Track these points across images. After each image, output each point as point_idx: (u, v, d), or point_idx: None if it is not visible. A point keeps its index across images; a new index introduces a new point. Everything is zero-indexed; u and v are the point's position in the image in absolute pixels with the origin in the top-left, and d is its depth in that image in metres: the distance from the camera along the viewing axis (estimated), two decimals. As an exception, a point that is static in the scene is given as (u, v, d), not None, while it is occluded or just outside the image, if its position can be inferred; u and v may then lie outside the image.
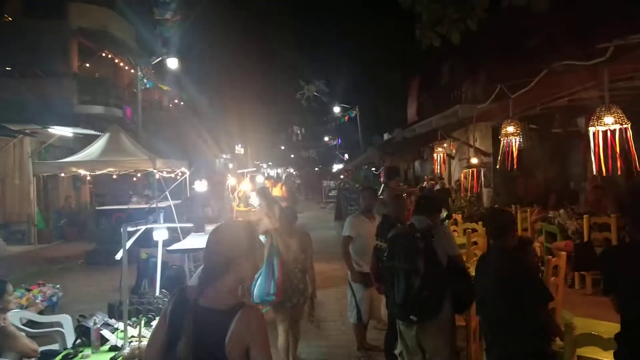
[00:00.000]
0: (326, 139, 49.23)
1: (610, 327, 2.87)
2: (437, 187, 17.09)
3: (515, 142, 6.89)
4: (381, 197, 6.78)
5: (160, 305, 4.22)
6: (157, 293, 4.77)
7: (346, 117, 31.20)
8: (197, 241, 7.30)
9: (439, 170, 13.73)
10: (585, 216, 6.58)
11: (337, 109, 31.65)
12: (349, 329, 5.62)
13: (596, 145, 4.58)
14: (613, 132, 4.48)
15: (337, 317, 6.67)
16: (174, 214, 7.30)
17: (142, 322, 3.64)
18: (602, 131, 4.54)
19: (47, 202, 16.01)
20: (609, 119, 4.50)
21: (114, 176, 12.91)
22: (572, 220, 6.76)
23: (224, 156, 28.34)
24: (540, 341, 2.89)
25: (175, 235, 7.48)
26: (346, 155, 40.93)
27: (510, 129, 6.92)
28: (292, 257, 4.78)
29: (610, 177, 9.90)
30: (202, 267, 2.13)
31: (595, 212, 6.89)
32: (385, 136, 29.58)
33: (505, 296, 2.95)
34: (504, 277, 2.98)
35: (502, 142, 7.21)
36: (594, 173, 4.85)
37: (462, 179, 10.48)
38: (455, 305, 3.61)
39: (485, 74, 15.91)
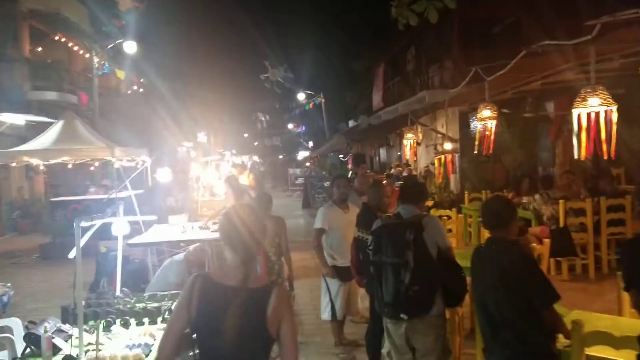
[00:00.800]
0: (290, 126, 48.75)
1: (614, 322, 2.68)
2: (405, 173, 17.03)
3: (492, 126, 6.70)
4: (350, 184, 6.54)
5: (121, 306, 3.84)
6: (118, 292, 4.36)
7: (311, 104, 30.80)
8: (160, 233, 6.89)
9: (408, 157, 13.52)
10: (560, 201, 6.47)
11: (301, 96, 31.18)
12: (324, 323, 5.34)
13: (580, 128, 4.40)
14: (597, 114, 4.30)
15: (311, 310, 6.38)
16: (135, 205, 6.85)
17: (100, 327, 3.26)
18: (587, 113, 4.36)
19: (-3, 193, 15.18)
20: (594, 100, 4.32)
21: (70, 166, 12.25)
22: (547, 205, 6.66)
23: (187, 144, 27.59)
24: (547, 339, 2.66)
25: (136, 227, 7.04)
26: (310, 143, 40.62)
27: (487, 112, 6.73)
28: (268, 240, 4.93)
29: (578, 162, 9.97)
30: (231, 251, 2.19)
31: (569, 197, 6.81)
32: (351, 123, 29.39)
33: (512, 293, 2.70)
34: (510, 273, 2.71)
35: (478, 126, 7.02)
36: (575, 157, 4.67)
37: (437, 165, 10.30)
38: (448, 299, 3.37)
39: (453, 59, 15.83)
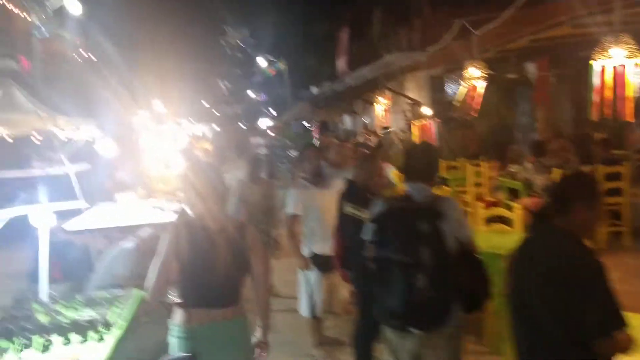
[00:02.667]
0: (251, 94, 47.37)
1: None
2: (372, 140, 16.36)
3: (481, 86, 6.02)
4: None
5: (43, 319, 3.01)
6: (45, 296, 3.52)
7: (272, 71, 29.68)
8: (104, 216, 5.99)
9: (385, 124, 12.83)
10: (555, 170, 5.90)
11: (263, 62, 29.99)
12: (300, 318, 4.64)
13: (603, 83, 3.74)
14: (623, 67, 3.65)
15: (284, 301, 5.67)
16: (75, 183, 5.95)
17: (14, 347, 2.45)
18: (613, 67, 3.70)
19: None
20: (618, 52, 3.66)
21: (10, 139, 11.06)
22: (540, 174, 6.07)
23: (142, 113, 26.08)
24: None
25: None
26: (273, 111, 39.53)
27: (474, 71, 6.05)
28: (255, 201, 5.48)
29: (558, 127, 9.49)
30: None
31: (562, 165, 6.24)
32: (314, 90, 28.46)
33: (557, 306, 2.00)
34: (559, 278, 2.00)
35: (458, 87, 6.33)
36: (591, 117, 4.04)
37: (414, 132, 9.62)
38: (467, 304, 2.66)
39: (422, 19, 15.07)
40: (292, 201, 4.30)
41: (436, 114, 14.54)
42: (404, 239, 2.52)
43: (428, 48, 8.86)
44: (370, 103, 13.82)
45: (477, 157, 9.75)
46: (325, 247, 4.08)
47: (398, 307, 2.51)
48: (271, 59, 29.11)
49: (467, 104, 6.31)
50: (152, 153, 10.17)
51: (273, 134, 26.70)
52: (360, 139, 19.18)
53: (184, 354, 2.48)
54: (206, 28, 29.74)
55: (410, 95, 15.02)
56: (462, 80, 7.36)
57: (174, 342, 2.56)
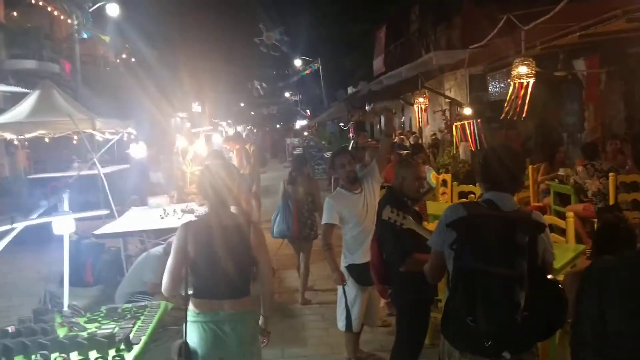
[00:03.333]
0: (287, 94, 47.41)
1: None
2: (411, 141, 15.98)
3: (529, 84, 5.64)
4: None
5: (61, 333, 2.86)
6: (65, 306, 3.38)
7: (308, 70, 29.51)
8: (134, 220, 5.89)
9: (420, 124, 12.44)
10: (611, 174, 5.46)
11: (298, 62, 29.86)
12: (334, 328, 4.39)
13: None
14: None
15: (317, 312, 5.45)
16: (105, 185, 5.88)
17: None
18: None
19: (-27, 170, 14.16)
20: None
21: (46, 139, 11.20)
22: (593, 179, 5.64)
23: (180, 115, 26.37)
24: None
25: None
26: (308, 111, 39.41)
27: (523, 69, 5.67)
28: (300, 198, 5.89)
29: (610, 127, 8.95)
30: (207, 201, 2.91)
31: (617, 169, 5.80)
32: (350, 90, 28.15)
33: None
34: None
35: (497, 87, 5.95)
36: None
37: (455, 133, 9.24)
38: (545, 330, 2.31)
39: (462, 16, 14.60)
40: (327, 210, 4.04)
41: (477, 114, 14.09)
42: (501, 250, 2.17)
43: (471, 46, 8.40)
44: (407, 103, 13.46)
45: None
46: (364, 255, 3.83)
47: (495, 328, 2.13)
48: (307, 59, 28.93)
49: (515, 104, 5.92)
50: (186, 155, 10.10)
51: (308, 135, 26.54)
52: (396, 139, 18.85)
53: (181, 340, 2.73)
54: (243, 29, 29.88)
55: (450, 94, 14.60)
56: (508, 78, 6.98)
57: (189, 329, 2.76)
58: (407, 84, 17.10)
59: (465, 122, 8.84)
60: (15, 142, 11.63)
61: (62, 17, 17.38)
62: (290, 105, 46.21)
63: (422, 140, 16.18)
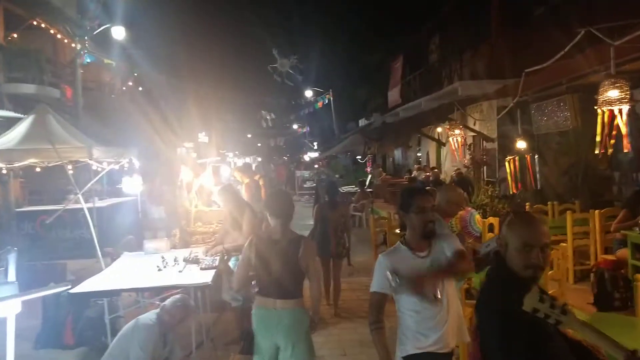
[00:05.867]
0: (295, 126, 46.67)
1: None
2: (430, 177, 14.90)
3: (623, 112, 4.56)
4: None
5: None
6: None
7: (320, 103, 28.70)
8: (129, 270, 4.75)
9: (457, 158, 11.34)
10: None
11: (309, 93, 29.09)
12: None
13: None
14: None
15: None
16: (90, 222, 4.84)
17: None
18: None
19: (-39, 201, 13.08)
20: None
21: (38, 169, 10.16)
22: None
23: (186, 145, 25.44)
24: None
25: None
26: (315, 144, 38.55)
27: (614, 92, 4.61)
28: (334, 221, 6.79)
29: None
30: (274, 218, 3.48)
31: None
32: (362, 122, 27.28)
33: None
34: None
35: (599, 112, 4.88)
36: None
37: (509, 169, 8.13)
38: None
39: (490, 44, 13.69)
40: (379, 274, 2.99)
41: (503, 149, 13.02)
42: None
43: (527, 70, 7.29)
44: (451, 133, 12.35)
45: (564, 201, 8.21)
46: (436, 340, 2.72)
47: None
48: (318, 90, 28.18)
49: (603, 138, 4.85)
50: (192, 188, 9.00)
51: (319, 167, 25.50)
52: (415, 174, 17.78)
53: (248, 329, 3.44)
54: (253, 58, 29.26)
55: (474, 127, 13.58)
56: (563, 107, 6.00)
57: (253, 319, 3.42)
58: (427, 116, 16.18)
59: (512, 158, 7.74)
60: (3, 171, 10.63)
61: (65, 40, 16.59)
62: (298, 137, 45.43)
63: (444, 176, 15.11)
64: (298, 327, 3.37)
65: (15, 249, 2.52)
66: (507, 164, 8.26)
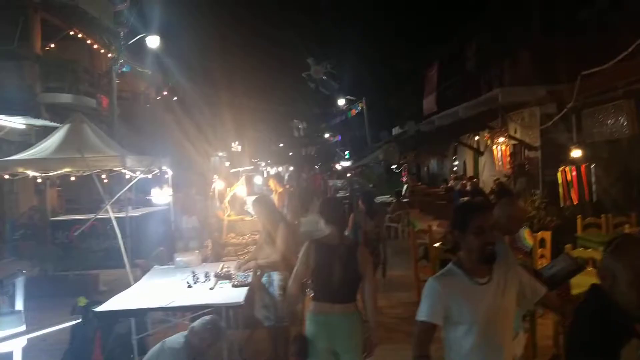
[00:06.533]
0: (326, 135, 46.46)
1: None
2: (468, 188, 14.41)
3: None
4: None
5: None
6: None
7: (352, 111, 28.38)
8: (158, 286, 4.53)
9: (501, 167, 10.86)
10: None
11: (342, 102, 28.79)
12: None
13: None
14: None
15: None
16: (118, 233, 4.65)
17: None
18: None
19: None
20: None
21: (72, 178, 10.16)
22: None
23: (220, 154, 25.47)
24: None
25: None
26: (347, 153, 38.21)
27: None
28: (370, 229, 6.91)
29: None
30: (331, 226, 3.58)
31: None
32: (395, 130, 26.81)
33: None
34: None
35: None
36: None
37: (561, 179, 7.66)
38: None
39: (531, 50, 13.16)
40: (429, 300, 2.54)
41: (546, 158, 12.44)
42: None
43: (583, 72, 6.76)
44: (496, 142, 11.84)
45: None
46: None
47: None
48: (351, 98, 27.84)
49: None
50: (225, 198, 8.79)
51: (352, 176, 25.15)
52: (452, 183, 17.27)
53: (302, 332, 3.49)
54: (284, 68, 29.21)
55: (515, 135, 13.03)
56: (619, 113, 5.54)
57: (308, 324, 3.46)
58: (465, 124, 15.71)
59: (566, 168, 7.25)
60: (39, 180, 10.65)
61: (102, 50, 16.77)
62: (330, 146, 45.18)
63: (483, 185, 14.58)
64: (356, 331, 3.47)
65: (24, 272, 2.28)
66: (559, 174, 7.75)
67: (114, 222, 5.33)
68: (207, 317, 3.58)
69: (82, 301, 5.36)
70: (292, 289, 3.58)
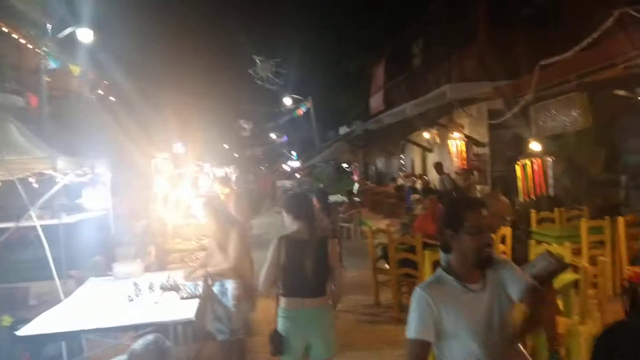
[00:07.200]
0: (273, 136, 45.92)
1: None
2: (418, 185, 14.35)
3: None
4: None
5: None
6: None
7: (299, 111, 28.02)
8: (93, 301, 3.97)
9: (457, 163, 10.74)
10: None
11: (288, 101, 28.38)
12: None
13: None
14: None
15: None
16: (44, 243, 4.17)
17: None
18: None
19: None
20: None
21: (-2, 183, 9.21)
22: None
23: (162, 156, 24.42)
24: None
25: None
26: (294, 153, 37.86)
27: None
28: (325, 226, 6.44)
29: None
30: (300, 222, 3.61)
31: None
32: (342, 130, 26.69)
33: None
34: None
35: None
36: None
37: (519, 173, 7.52)
38: None
39: (478, 45, 13.22)
40: (417, 314, 2.21)
41: (494, 154, 12.51)
42: None
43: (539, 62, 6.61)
44: (450, 137, 11.70)
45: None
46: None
47: None
48: (297, 97, 27.47)
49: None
50: (168, 201, 8.19)
51: (301, 177, 24.75)
52: (401, 182, 17.18)
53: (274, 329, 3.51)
54: (230, 66, 28.44)
55: (463, 131, 13.03)
56: (570, 108, 5.42)
57: (279, 321, 3.50)
58: (413, 121, 15.62)
59: (526, 161, 7.13)
60: (-42, 186, 9.63)
61: (30, 46, 15.61)
62: (276, 146, 44.70)
63: (433, 183, 14.53)
64: (328, 324, 3.57)
65: None
66: (517, 168, 7.64)
67: (40, 230, 4.75)
68: (150, 337, 3.07)
69: (7, 320, 4.73)
70: (263, 287, 3.57)
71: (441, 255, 2.37)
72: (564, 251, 4.58)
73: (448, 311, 2.17)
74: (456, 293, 2.21)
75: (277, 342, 3.46)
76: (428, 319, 2.17)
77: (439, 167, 14.30)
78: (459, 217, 2.23)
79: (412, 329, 2.19)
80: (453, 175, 13.21)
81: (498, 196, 3.60)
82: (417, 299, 2.24)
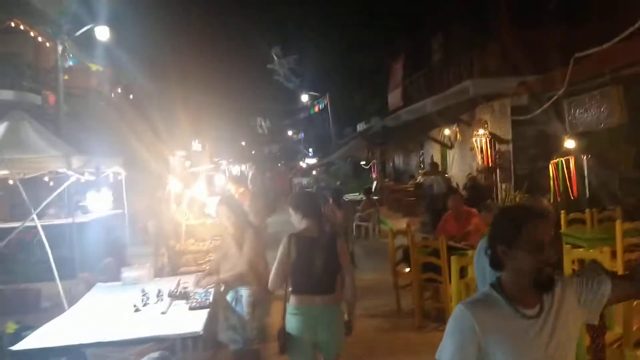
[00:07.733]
0: (290, 132, 45.77)
1: None
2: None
3: None
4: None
5: None
6: None
7: (316, 107, 27.74)
8: (98, 310, 3.74)
9: (481, 161, 10.38)
10: None
11: (305, 98, 28.12)
12: None
13: None
14: None
15: None
16: (46, 244, 3.96)
17: None
18: None
19: None
20: None
21: (10, 181, 9.12)
22: None
23: (179, 153, 24.33)
24: None
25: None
26: (311, 150, 37.59)
27: None
28: (337, 222, 6.98)
29: None
30: (308, 219, 3.61)
31: None
32: (360, 127, 26.34)
33: None
34: None
35: None
36: None
37: (552, 172, 7.16)
38: None
39: (501, 41, 12.82)
40: (456, 336, 1.87)
41: (518, 151, 12.10)
42: None
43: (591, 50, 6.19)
44: (475, 134, 11.33)
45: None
46: None
47: None
48: (314, 94, 27.20)
49: None
50: (181, 201, 7.97)
51: (317, 174, 24.48)
52: (421, 179, 16.80)
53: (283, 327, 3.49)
54: (247, 64, 28.29)
55: (487, 128, 12.63)
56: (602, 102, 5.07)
57: (288, 318, 3.49)
58: (434, 118, 15.26)
59: (560, 160, 6.75)
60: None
61: (47, 44, 15.59)
62: (293, 143, 44.52)
63: (454, 181, 14.16)
64: (337, 321, 3.55)
65: None
66: (550, 166, 7.24)
67: (41, 231, 4.55)
68: (156, 355, 2.83)
69: (11, 327, 4.54)
70: (273, 285, 3.54)
71: (489, 270, 2.03)
72: (602, 257, 4.23)
73: (495, 340, 1.84)
74: (506, 318, 1.86)
75: (284, 339, 3.44)
76: (469, 345, 1.85)
77: (434, 167, 13.93)
78: (516, 230, 1.88)
79: (447, 355, 1.89)
80: (475, 174, 12.84)
81: (541, 202, 3.25)
82: (459, 320, 1.89)
